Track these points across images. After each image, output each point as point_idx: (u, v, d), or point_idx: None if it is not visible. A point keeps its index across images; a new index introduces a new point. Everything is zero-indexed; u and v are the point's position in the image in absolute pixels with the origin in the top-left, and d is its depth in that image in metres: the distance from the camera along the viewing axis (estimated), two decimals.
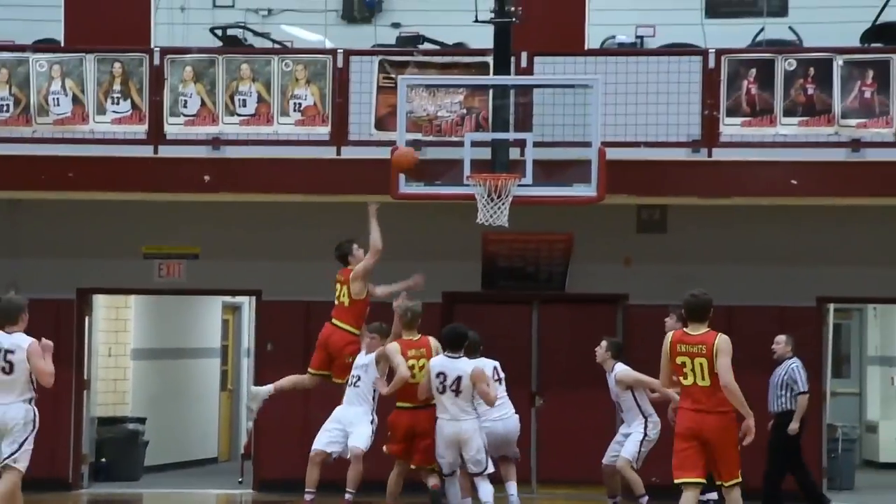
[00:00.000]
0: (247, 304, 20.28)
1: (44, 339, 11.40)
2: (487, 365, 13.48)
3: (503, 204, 14.36)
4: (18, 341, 11.30)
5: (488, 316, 16.83)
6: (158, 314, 19.51)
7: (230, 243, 17.39)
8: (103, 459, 17.78)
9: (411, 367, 13.03)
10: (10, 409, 11.23)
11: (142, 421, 18.64)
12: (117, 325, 18.92)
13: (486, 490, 12.97)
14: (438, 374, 12.83)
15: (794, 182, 15.38)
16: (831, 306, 17.96)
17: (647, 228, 17.09)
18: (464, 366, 12.83)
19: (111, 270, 17.16)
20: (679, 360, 10.77)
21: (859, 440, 19.43)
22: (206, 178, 15.75)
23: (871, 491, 16.32)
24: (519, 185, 14.45)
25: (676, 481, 10.78)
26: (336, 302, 14.04)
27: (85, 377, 17.43)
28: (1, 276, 17.27)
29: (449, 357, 12.90)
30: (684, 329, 10.96)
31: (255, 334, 17.14)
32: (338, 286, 14.14)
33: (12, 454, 11.24)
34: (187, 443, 19.61)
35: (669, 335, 10.98)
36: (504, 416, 13.95)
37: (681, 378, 10.77)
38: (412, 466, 13.17)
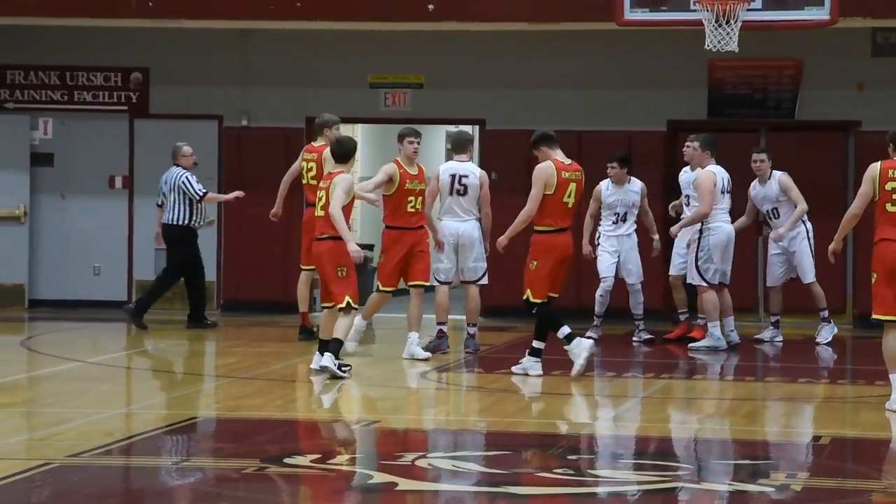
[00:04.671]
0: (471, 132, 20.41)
1: None
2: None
3: (732, 29, 14.11)
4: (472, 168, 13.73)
5: None
6: (384, 142, 19.76)
7: (454, 72, 17.49)
8: None
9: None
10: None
11: (370, 248, 19.01)
12: None
13: None
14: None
15: None
16: None
17: (883, 52, 16.60)
18: None
19: (339, 99, 17.42)
20: (889, 185, 10.70)
21: None
22: (431, 6, 15.78)
23: None
24: (748, 10, 14.18)
25: (885, 318, 10.59)
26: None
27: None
28: (234, 104, 17.71)
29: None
30: (894, 158, 10.83)
31: (479, 163, 17.25)
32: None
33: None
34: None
35: (878, 163, 10.86)
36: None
37: (887, 205, 10.69)
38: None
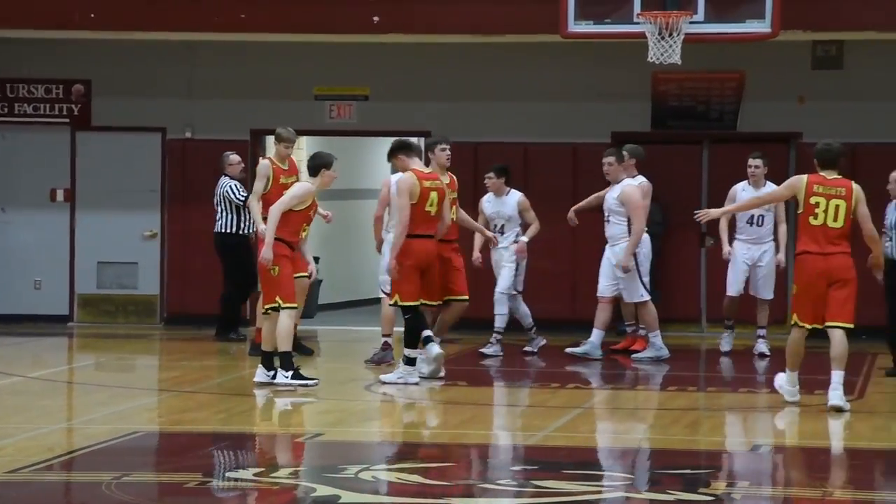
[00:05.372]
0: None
1: None
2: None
3: (675, 42, 14.19)
4: None
5: (658, 156, 16.70)
6: None
7: (400, 84, 17.49)
8: None
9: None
10: None
11: (315, 260, 18.95)
12: None
13: None
14: None
15: None
16: None
17: (823, 65, 16.74)
18: None
19: (283, 111, 17.38)
20: (813, 199, 11.24)
21: None
22: (376, 19, 15.79)
23: None
24: (690, 22, 14.27)
25: (802, 324, 11.21)
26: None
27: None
28: (178, 117, 17.65)
29: None
30: (819, 173, 11.39)
31: None
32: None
33: None
34: (358, 282, 19.95)
35: (805, 176, 11.45)
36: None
37: (810, 218, 11.22)
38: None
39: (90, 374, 14.34)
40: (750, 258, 14.94)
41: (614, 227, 14.35)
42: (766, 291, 14.97)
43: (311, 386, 12.16)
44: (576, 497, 8.48)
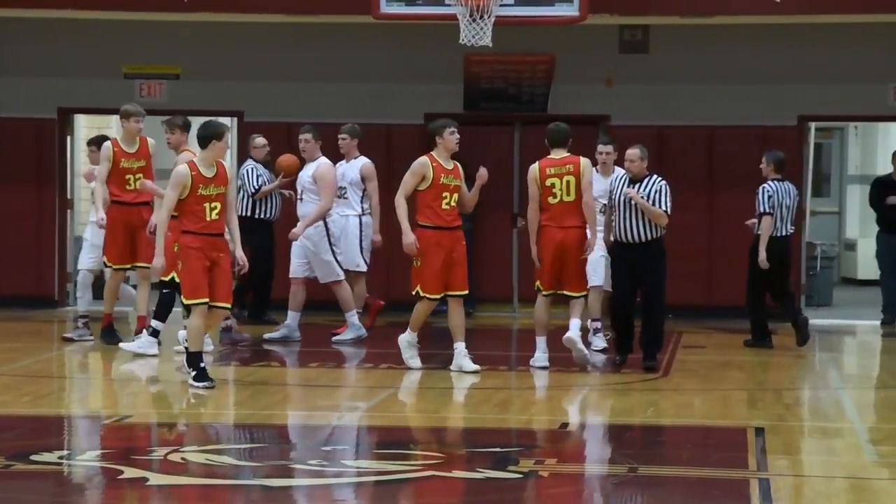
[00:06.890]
0: (229, 124, 20.22)
1: None
2: None
3: (485, 24, 14.32)
4: None
5: (470, 137, 16.74)
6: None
7: (212, 64, 17.33)
8: None
9: None
10: None
11: None
12: None
13: None
14: None
15: (776, 0, 15.32)
16: (812, 125, 18.01)
17: (630, 49, 17.04)
18: None
19: (92, 90, 17.12)
20: (549, 182, 12.22)
21: (838, 258, 19.75)
22: None
23: (849, 307, 16.58)
24: (501, 5, 14.43)
25: (546, 291, 12.34)
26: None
27: (68, 197, 17.50)
28: None
29: None
30: (548, 156, 12.30)
31: (237, 154, 17.16)
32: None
33: None
34: None
35: (535, 165, 12.36)
36: None
37: (549, 198, 12.20)
38: None
39: None
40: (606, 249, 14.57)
41: (307, 206, 14.00)
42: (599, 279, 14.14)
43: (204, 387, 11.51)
44: (387, 476, 8.53)
